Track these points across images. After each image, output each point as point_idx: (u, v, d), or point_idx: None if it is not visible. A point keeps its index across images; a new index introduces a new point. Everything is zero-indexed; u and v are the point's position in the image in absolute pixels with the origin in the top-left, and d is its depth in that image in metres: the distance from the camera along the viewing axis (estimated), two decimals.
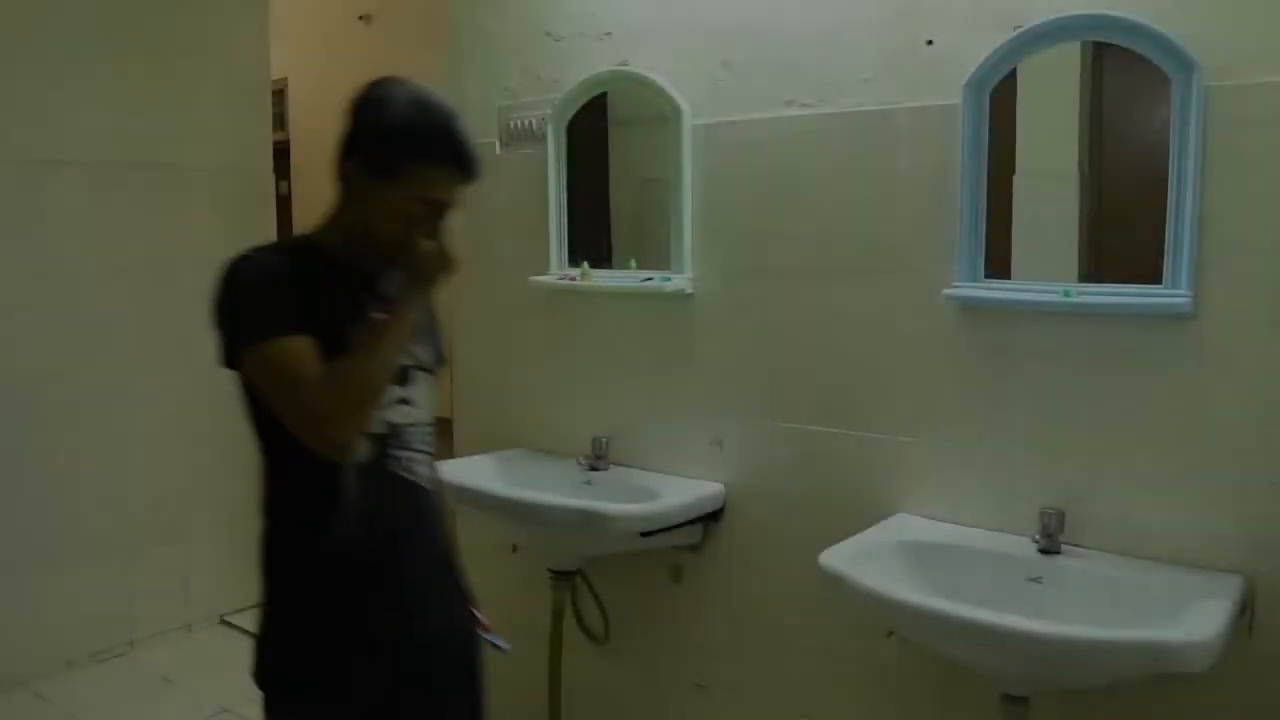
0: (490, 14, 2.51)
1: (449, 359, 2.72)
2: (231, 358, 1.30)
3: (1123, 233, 1.75)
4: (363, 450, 1.32)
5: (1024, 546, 1.74)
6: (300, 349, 1.25)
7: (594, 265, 2.33)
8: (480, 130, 2.54)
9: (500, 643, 1.56)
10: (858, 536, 1.81)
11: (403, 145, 1.32)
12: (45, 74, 2.95)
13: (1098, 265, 1.73)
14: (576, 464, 2.34)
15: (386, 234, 1.33)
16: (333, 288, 1.34)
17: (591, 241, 2.38)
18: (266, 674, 1.38)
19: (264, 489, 1.37)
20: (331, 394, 1.23)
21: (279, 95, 7.00)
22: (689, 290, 2.18)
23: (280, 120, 7.04)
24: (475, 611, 1.54)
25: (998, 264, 1.80)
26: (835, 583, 1.65)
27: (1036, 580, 1.69)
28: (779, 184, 2.04)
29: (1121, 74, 1.69)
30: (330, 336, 1.28)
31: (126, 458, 3.20)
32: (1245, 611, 1.57)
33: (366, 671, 1.35)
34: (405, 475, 1.38)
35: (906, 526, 1.88)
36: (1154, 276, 1.62)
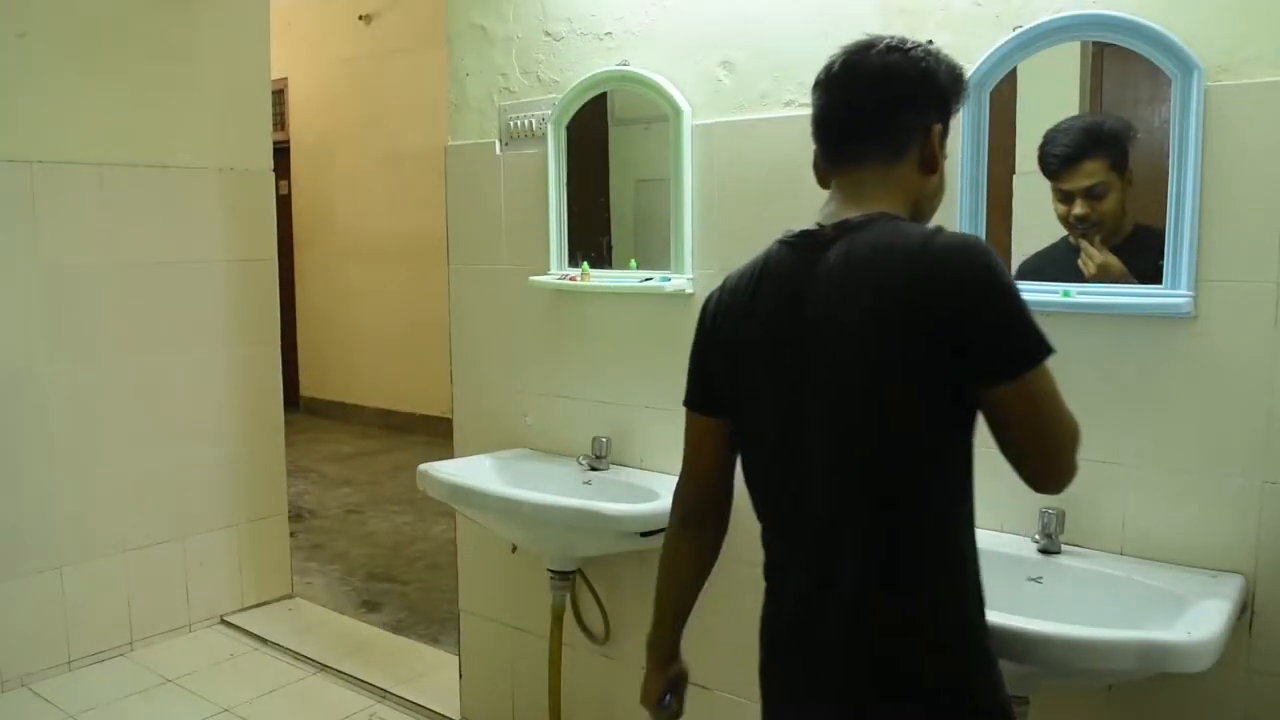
0: (490, 14, 2.51)
1: (450, 359, 2.75)
2: (1029, 357, 1.15)
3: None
4: None
5: (1024, 546, 1.74)
6: None
7: (594, 265, 2.33)
8: (480, 130, 2.57)
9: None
10: None
11: (961, 99, 1.28)
12: (45, 74, 2.95)
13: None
14: (576, 464, 2.34)
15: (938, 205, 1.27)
16: None
17: (591, 241, 2.38)
18: None
19: (932, 532, 1.23)
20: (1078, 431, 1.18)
21: (279, 95, 7.03)
22: (689, 290, 2.17)
23: (280, 120, 7.08)
24: None
25: None
26: None
27: (1036, 580, 1.68)
28: (779, 184, 2.03)
29: (1121, 74, 1.69)
30: None
31: (126, 457, 3.20)
32: (1245, 611, 1.57)
33: None
34: None
35: None
36: (1154, 276, 1.62)
